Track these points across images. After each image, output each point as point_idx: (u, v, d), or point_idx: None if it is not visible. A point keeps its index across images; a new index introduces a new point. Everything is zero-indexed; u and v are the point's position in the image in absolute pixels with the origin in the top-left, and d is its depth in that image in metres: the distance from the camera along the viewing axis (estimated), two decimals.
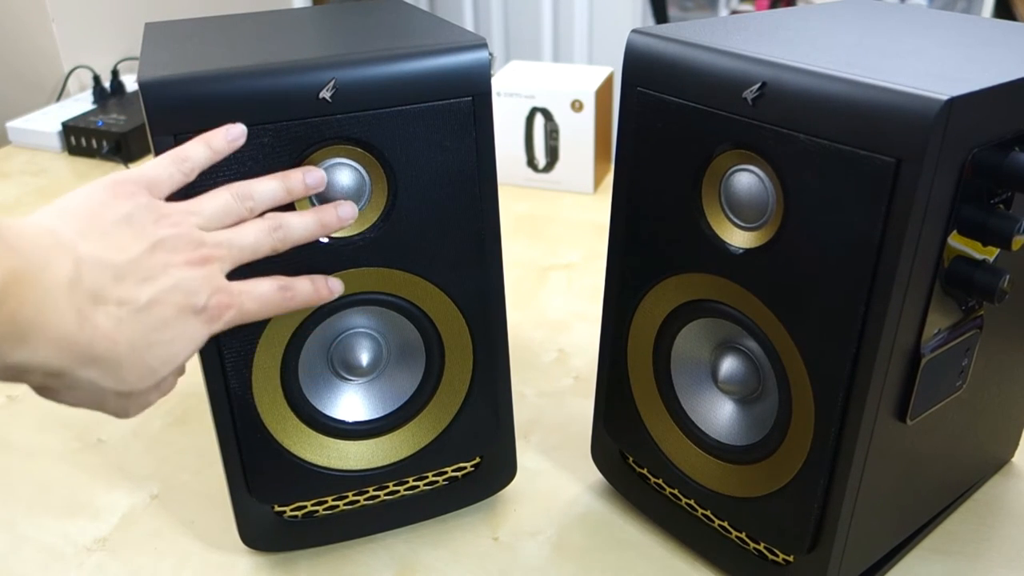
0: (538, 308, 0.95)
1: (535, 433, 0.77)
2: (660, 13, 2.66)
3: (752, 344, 0.56)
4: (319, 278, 0.53)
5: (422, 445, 0.63)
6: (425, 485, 0.66)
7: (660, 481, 0.65)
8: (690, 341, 0.59)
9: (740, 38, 0.53)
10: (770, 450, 0.55)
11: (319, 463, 0.61)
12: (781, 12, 0.62)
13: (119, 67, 1.51)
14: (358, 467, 0.62)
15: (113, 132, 1.32)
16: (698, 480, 0.60)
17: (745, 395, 0.57)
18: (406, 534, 0.67)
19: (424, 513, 0.67)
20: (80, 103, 1.44)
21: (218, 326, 0.47)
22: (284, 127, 0.52)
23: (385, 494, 0.65)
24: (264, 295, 0.49)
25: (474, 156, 0.57)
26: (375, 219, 0.56)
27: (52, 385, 0.43)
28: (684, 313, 0.58)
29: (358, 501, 0.65)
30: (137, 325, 0.43)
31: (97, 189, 0.45)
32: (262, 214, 0.51)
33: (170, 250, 0.45)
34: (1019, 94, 0.47)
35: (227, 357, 0.56)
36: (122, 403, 0.46)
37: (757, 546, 0.59)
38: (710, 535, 0.62)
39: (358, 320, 0.60)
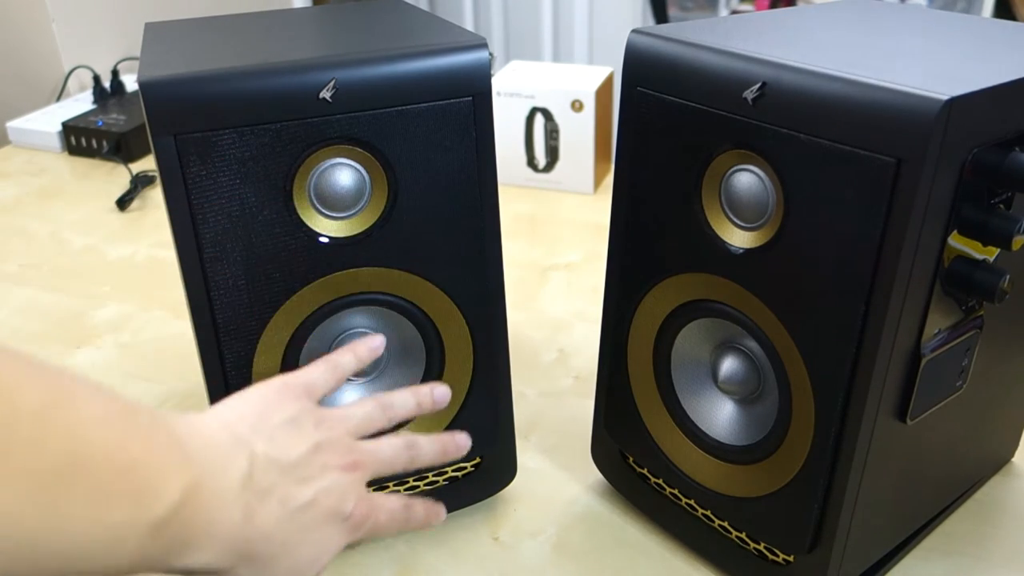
0: (538, 308, 0.95)
1: (535, 433, 0.77)
2: (660, 13, 2.66)
3: (752, 344, 0.56)
4: (430, 505, 0.54)
5: None
6: (425, 485, 0.66)
7: (660, 481, 0.65)
8: (690, 341, 0.59)
9: (740, 38, 0.53)
10: (770, 450, 0.55)
11: None
12: (781, 12, 0.62)
13: (119, 67, 1.51)
14: None
15: (113, 132, 1.32)
16: (698, 480, 0.60)
17: (745, 395, 0.57)
18: (406, 534, 0.67)
19: None
20: (80, 103, 1.44)
21: (357, 535, 0.49)
22: (284, 127, 0.52)
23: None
24: (393, 511, 0.51)
25: (474, 156, 0.57)
26: (375, 219, 0.56)
27: None
28: (684, 313, 0.58)
29: None
30: (293, 524, 0.45)
31: (270, 390, 0.48)
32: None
33: (328, 453, 0.47)
34: (1019, 94, 0.47)
35: (227, 358, 0.56)
36: None
37: (757, 546, 0.59)
38: (710, 535, 0.62)
39: (358, 320, 0.60)
